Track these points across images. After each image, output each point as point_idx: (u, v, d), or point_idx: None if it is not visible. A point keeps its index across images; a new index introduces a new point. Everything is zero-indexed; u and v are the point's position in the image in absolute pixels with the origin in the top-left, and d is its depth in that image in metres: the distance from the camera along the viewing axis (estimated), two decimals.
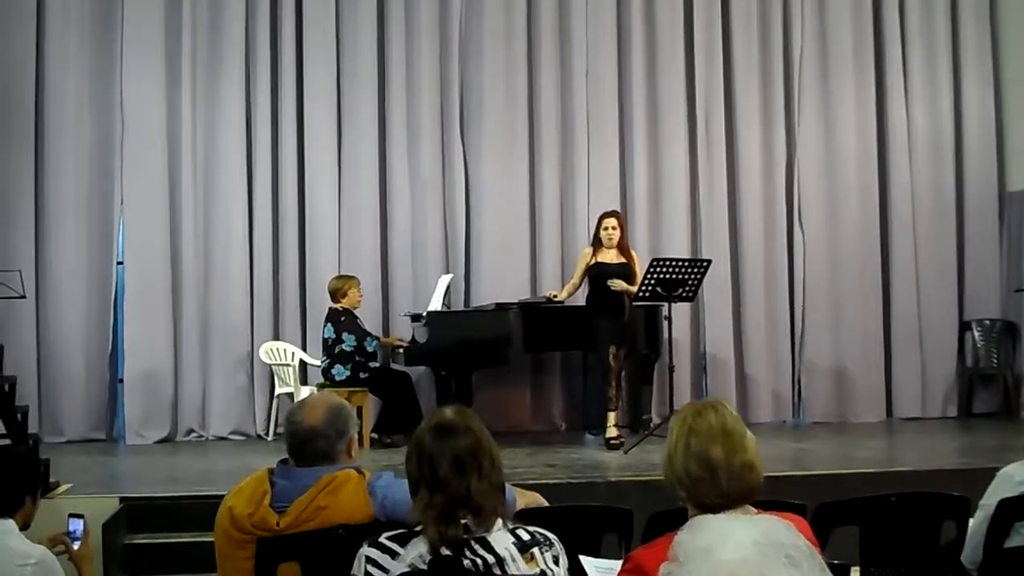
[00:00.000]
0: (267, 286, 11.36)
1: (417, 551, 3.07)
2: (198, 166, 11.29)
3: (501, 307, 10.28)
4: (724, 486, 3.01)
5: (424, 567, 3.04)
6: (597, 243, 9.93)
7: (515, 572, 3.08)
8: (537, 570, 3.10)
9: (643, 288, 9.42)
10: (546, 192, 11.82)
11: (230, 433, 11.20)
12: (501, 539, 3.11)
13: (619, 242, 9.87)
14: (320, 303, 10.75)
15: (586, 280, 10.02)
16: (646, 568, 2.97)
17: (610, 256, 9.84)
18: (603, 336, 9.70)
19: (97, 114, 11.24)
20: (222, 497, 3.83)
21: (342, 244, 11.45)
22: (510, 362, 10.46)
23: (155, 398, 11.05)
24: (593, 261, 9.87)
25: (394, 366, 10.80)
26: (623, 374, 10.05)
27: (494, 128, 11.77)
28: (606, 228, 9.86)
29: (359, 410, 9.57)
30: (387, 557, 3.10)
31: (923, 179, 12.33)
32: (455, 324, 10.30)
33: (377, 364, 10.42)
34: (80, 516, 4.43)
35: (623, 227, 10.02)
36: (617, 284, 9.65)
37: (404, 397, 10.38)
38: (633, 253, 10.02)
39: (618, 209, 10.80)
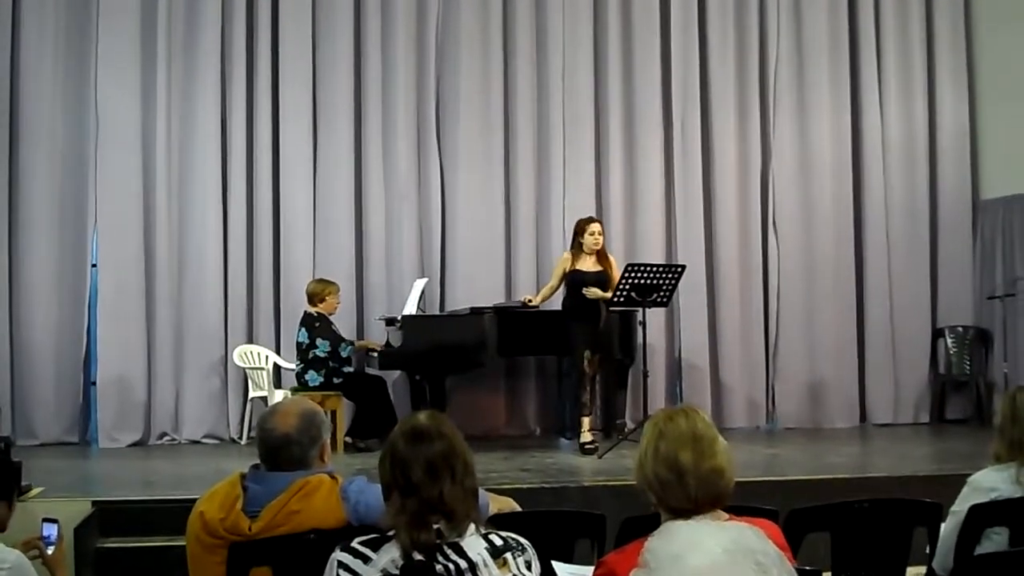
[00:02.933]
0: (241, 289, 11.32)
1: (389, 556, 3.07)
2: (172, 169, 11.24)
3: (476, 311, 10.26)
4: (692, 491, 3.03)
5: (396, 572, 3.04)
6: (577, 248, 9.92)
7: None
8: (509, 575, 3.10)
9: (618, 293, 9.43)
10: (521, 197, 11.83)
11: (203, 437, 11.15)
12: (474, 544, 3.11)
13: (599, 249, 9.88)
14: (295, 307, 10.73)
15: (563, 284, 10.03)
16: (618, 573, 2.99)
17: (588, 263, 9.81)
18: (577, 341, 9.70)
19: (71, 117, 11.19)
20: (195, 501, 3.83)
21: (317, 248, 11.43)
22: (484, 366, 10.43)
23: (128, 401, 10.99)
24: (571, 267, 9.86)
25: (368, 370, 10.79)
26: (597, 379, 10.05)
27: (470, 133, 11.76)
28: (592, 233, 9.81)
29: (333, 414, 9.65)
30: (359, 562, 3.09)
31: (897, 186, 12.39)
32: (430, 328, 10.27)
33: (351, 369, 10.41)
34: (54, 520, 4.41)
35: (602, 233, 10.03)
36: (593, 293, 9.64)
37: (378, 401, 10.38)
38: (611, 259, 10.00)
39: (593, 215, 10.75)
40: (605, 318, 9.75)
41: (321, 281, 10.52)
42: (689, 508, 3.03)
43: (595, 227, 9.89)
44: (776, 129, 12.23)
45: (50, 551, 4.33)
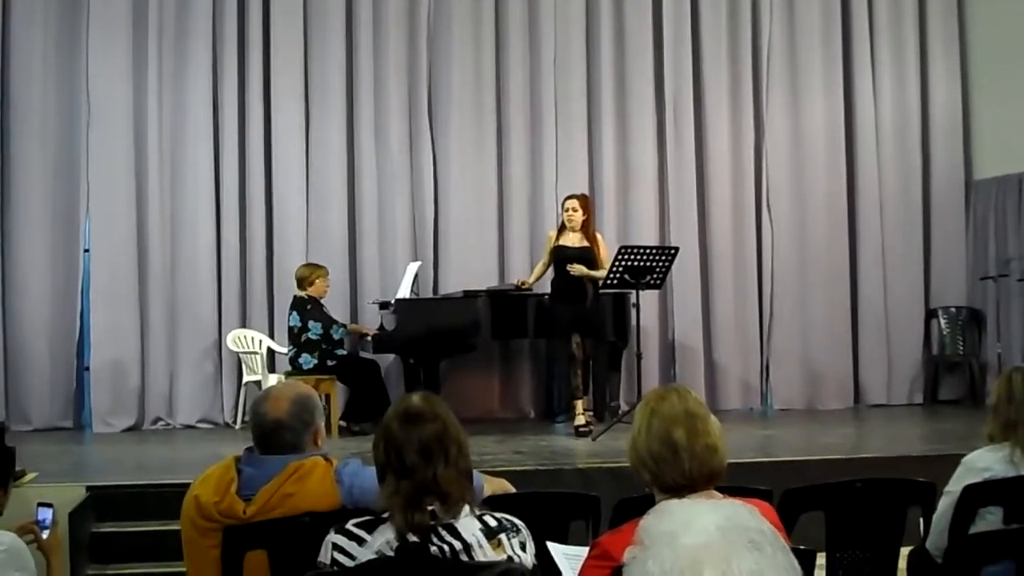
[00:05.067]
0: (234, 274, 11.31)
1: (384, 538, 3.08)
2: (164, 153, 11.22)
3: (469, 294, 10.28)
4: (686, 466, 3.04)
5: (391, 554, 3.05)
6: (562, 226, 9.92)
7: (482, 558, 3.09)
8: (504, 556, 3.11)
9: (611, 275, 9.42)
10: (514, 180, 11.81)
11: (197, 421, 11.15)
12: (468, 525, 3.12)
13: (584, 225, 9.84)
14: (288, 291, 10.69)
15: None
16: (613, 553, 2.98)
17: (572, 239, 9.80)
18: (564, 325, 9.71)
19: (63, 101, 11.15)
20: (189, 485, 3.82)
21: (310, 231, 11.42)
22: (478, 349, 10.49)
23: (122, 386, 11.00)
24: (555, 243, 9.86)
25: (362, 354, 10.78)
26: (590, 362, 10.05)
27: (462, 115, 11.75)
28: (567, 209, 9.84)
29: (327, 398, 9.64)
30: (354, 544, 3.11)
31: (890, 167, 12.38)
32: (423, 311, 10.29)
33: (344, 352, 10.39)
34: (49, 505, 4.41)
35: (587, 209, 9.94)
36: (576, 269, 9.62)
37: (372, 385, 10.37)
38: (599, 236, 9.97)
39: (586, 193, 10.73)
40: (592, 298, 9.74)
41: (309, 265, 10.50)
42: (684, 484, 3.04)
43: (568, 203, 9.89)
44: (769, 110, 12.21)
45: (45, 535, 4.32)
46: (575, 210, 9.82)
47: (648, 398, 3.22)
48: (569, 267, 9.65)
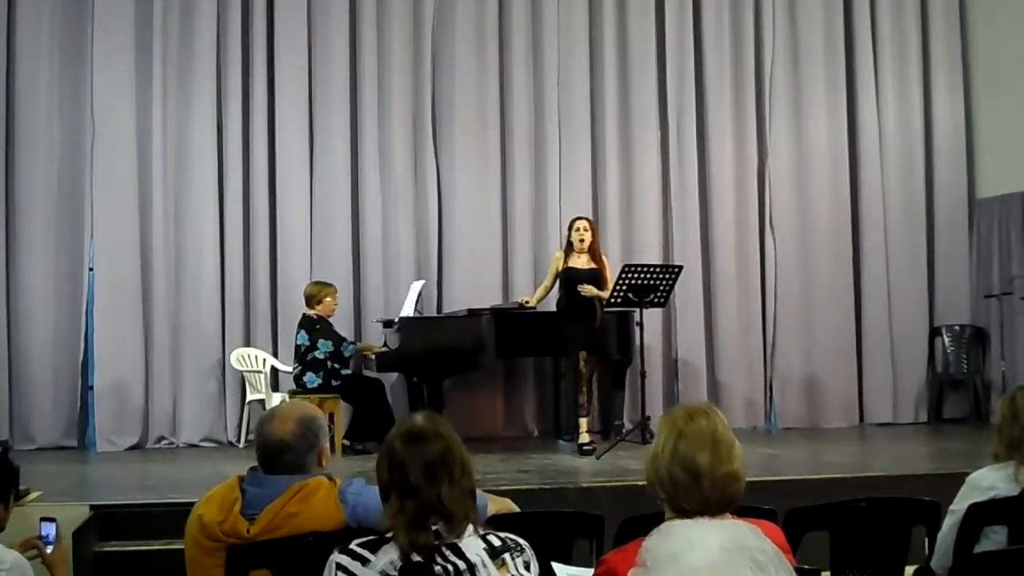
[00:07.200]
0: (238, 292, 11.30)
1: (388, 557, 3.07)
2: (169, 172, 11.22)
3: (473, 313, 10.27)
4: (706, 493, 3.02)
5: (395, 573, 3.04)
6: (568, 247, 9.94)
7: None
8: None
9: (615, 294, 9.45)
10: (518, 198, 11.82)
11: (201, 440, 11.13)
12: (472, 545, 3.11)
13: (591, 247, 9.88)
14: (292, 309, 10.71)
15: (557, 284, 10.05)
16: (618, 571, 2.98)
17: (581, 262, 9.85)
18: (572, 341, 9.71)
19: (67, 119, 11.16)
20: (193, 504, 3.82)
21: (314, 250, 11.42)
22: (482, 368, 10.46)
23: (126, 405, 10.97)
24: (564, 266, 9.88)
25: (366, 373, 10.77)
26: (594, 380, 10.05)
27: (466, 134, 11.76)
28: (577, 230, 9.87)
29: (331, 417, 9.60)
30: (358, 564, 3.09)
31: (893, 186, 12.39)
32: (427, 330, 10.27)
33: (349, 371, 10.37)
34: (52, 520, 4.40)
35: (595, 231, 10.03)
36: (588, 290, 9.66)
37: (376, 404, 10.35)
38: (604, 259, 10.03)
39: (589, 215, 10.77)
40: (600, 317, 9.75)
41: (318, 283, 10.48)
42: (699, 510, 3.02)
43: (579, 224, 9.94)
44: (772, 129, 12.22)
45: (49, 550, 4.31)
46: (586, 230, 9.88)
47: (675, 416, 3.17)
48: (580, 288, 9.68)
